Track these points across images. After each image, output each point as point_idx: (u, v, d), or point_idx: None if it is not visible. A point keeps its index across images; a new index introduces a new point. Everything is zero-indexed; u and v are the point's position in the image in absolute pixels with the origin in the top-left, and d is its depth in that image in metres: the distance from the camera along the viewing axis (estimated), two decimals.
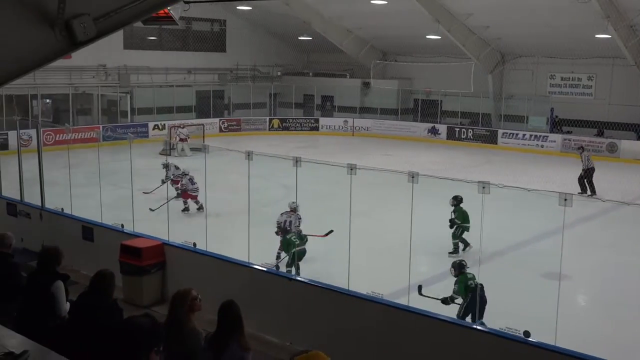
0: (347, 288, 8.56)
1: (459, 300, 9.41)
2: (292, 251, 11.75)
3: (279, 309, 9.20)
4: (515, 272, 13.04)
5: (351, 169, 8.58)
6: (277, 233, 12.77)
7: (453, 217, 14.06)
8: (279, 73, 38.62)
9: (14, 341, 4.06)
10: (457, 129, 32.59)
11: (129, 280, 10.43)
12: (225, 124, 34.84)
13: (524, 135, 30.51)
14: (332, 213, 16.02)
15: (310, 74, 38.19)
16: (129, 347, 3.84)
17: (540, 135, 30.15)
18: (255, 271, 9.50)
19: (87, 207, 13.23)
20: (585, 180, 20.27)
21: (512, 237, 15.15)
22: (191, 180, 17.10)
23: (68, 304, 6.63)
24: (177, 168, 18.65)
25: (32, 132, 23.01)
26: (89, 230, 11.78)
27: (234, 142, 28.50)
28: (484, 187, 7.67)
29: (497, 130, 31.41)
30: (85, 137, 26.41)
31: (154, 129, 31.62)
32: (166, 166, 18.65)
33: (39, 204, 12.82)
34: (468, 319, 9.04)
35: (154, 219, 13.10)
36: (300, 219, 12.99)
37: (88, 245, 11.71)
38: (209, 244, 10.27)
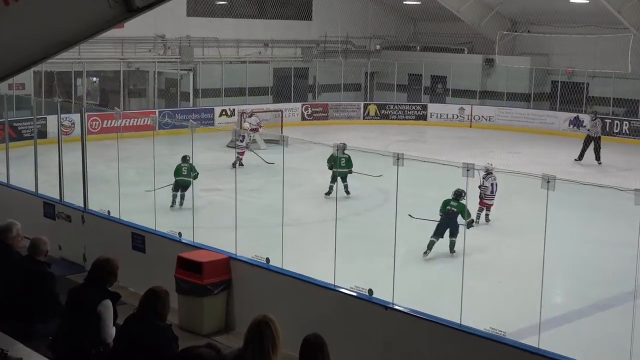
0: (458, 322, 8.48)
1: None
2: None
3: (371, 343, 9.19)
4: None
5: (467, 170, 8.48)
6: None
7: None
8: (377, 47, 38.62)
9: None
10: (608, 121, 31.65)
11: (186, 301, 10.64)
12: (309, 110, 35.16)
13: None
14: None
15: (418, 48, 37.98)
16: None
17: None
18: (343, 296, 9.53)
19: (139, 210, 13.61)
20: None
21: None
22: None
23: (114, 328, 6.86)
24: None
25: (76, 117, 23.86)
26: (139, 238, 12.10)
27: (320, 133, 28.71)
28: None
29: None
30: (139, 124, 27.27)
31: (221, 115, 32.25)
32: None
33: (82, 204, 13.28)
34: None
35: (219, 228, 13.35)
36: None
37: (138, 256, 12.03)
38: (286, 260, 10.37)
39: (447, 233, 14.44)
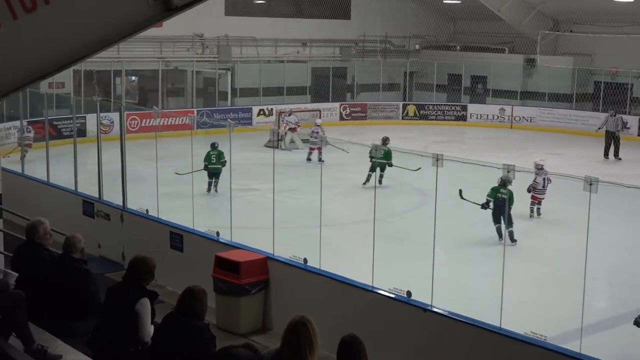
0: (498, 325, 8.42)
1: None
2: None
3: (409, 346, 9.17)
4: None
5: (508, 172, 8.43)
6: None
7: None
8: (417, 46, 38.53)
9: None
10: None
11: (223, 301, 10.71)
12: (348, 110, 35.17)
13: None
14: (479, 226, 15.88)
15: (458, 48, 37.83)
16: None
17: None
18: (381, 298, 9.52)
19: (177, 209, 13.71)
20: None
21: None
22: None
23: (152, 327, 6.90)
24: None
25: (115, 115, 24.07)
26: (178, 237, 12.21)
27: (358, 133, 28.73)
28: None
29: None
30: (177, 123, 27.50)
31: (259, 114, 32.39)
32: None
33: (120, 203, 13.42)
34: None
35: (257, 228, 13.40)
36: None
37: (176, 255, 12.14)
38: (324, 261, 10.38)
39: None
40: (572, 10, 33.58)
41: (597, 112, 33.26)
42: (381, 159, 19.74)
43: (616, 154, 26.55)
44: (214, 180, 19.12)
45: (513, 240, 14.84)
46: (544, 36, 34.25)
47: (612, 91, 33.06)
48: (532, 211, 17.35)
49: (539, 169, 17.29)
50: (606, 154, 26.56)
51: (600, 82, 33.61)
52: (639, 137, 31.09)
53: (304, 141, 25.79)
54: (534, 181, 17.17)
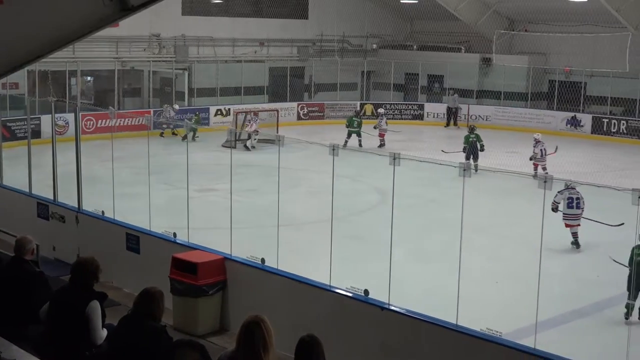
0: (454, 322, 8.49)
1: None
2: None
3: (367, 344, 9.20)
4: None
5: (464, 170, 8.50)
6: None
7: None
8: (374, 46, 38.66)
9: None
10: (605, 120, 31.73)
11: (181, 302, 10.65)
12: (305, 110, 35.20)
13: None
14: (437, 226, 16.02)
15: (415, 47, 38.04)
16: None
17: None
18: (339, 297, 9.54)
19: (133, 210, 13.62)
20: None
21: None
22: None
23: (105, 330, 6.85)
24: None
25: (70, 116, 23.92)
26: (134, 238, 12.11)
27: (316, 133, 28.73)
28: None
29: None
30: (133, 123, 27.25)
31: (216, 114, 32.29)
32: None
33: (76, 205, 13.29)
34: None
35: (214, 228, 13.36)
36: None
37: (133, 257, 12.05)
38: (283, 261, 10.37)
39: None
40: (527, 9, 33.96)
41: (551, 111, 33.70)
42: (355, 128, 27.39)
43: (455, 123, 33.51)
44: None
45: (477, 169, 18.54)
46: (499, 35, 34.58)
47: (566, 90, 33.48)
48: (535, 175, 19.23)
49: (538, 141, 21.86)
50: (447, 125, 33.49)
51: (555, 80, 34.04)
52: (592, 135, 31.60)
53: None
54: (533, 152, 21.71)
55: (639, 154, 28.03)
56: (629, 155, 27.53)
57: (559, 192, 14.83)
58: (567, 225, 15.23)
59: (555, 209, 14.61)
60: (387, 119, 29.72)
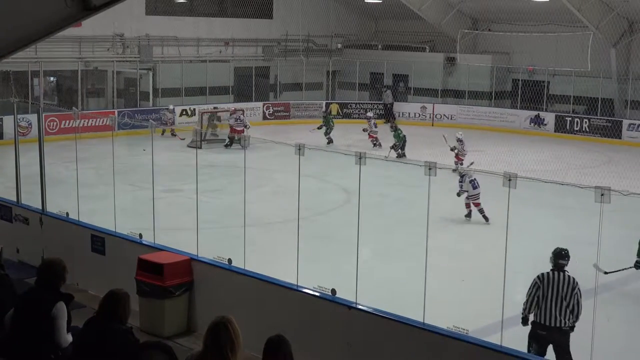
0: (421, 321, 8.53)
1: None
2: None
3: (335, 344, 9.21)
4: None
5: (430, 169, 8.53)
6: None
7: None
8: (339, 45, 38.71)
9: None
10: (568, 119, 32.05)
11: (147, 303, 10.59)
12: (271, 110, 35.14)
13: None
14: (403, 225, 16.08)
15: (379, 47, 38.15)
16: None
17: None
18: (306, 296, 9.54)
19: (98, 211, 13.52)
20: None
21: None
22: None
23: (70, 334, 6.78)
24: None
25: (33, 117, 23.57)
26: (99, 240, 12.01)
27: (281, 133, 28.70)
28: (602, 195, 7.54)
29: (622, 121, 30.77)
30: (97, 124, 26.95)
31: (181, 114, 32.11)
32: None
33: (39, 207, 13.15)
34: None
35: (180, 229, 13.31)
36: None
37: (98, 259, 11.95)
38: (249, 261, 10.36)
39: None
40: (490, 9, 34.22)
41: (515, 110, 33.97)
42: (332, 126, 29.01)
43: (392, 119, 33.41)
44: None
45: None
46: (463, 35, 34.82)
47: (529, 89, 33.79)
48: (455, 171, 19.02)
49: (458, 140, 22.70)
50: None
51: (518, 79, 34.34)
52: (555, 134, 31.90)
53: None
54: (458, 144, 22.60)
55: (601, 152, 28.38)
56: (591, 154, 27.87)
57: (460, 180, 17.11)
58: (476, 205, 16.92)
59: (460, 194, 17.03)
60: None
